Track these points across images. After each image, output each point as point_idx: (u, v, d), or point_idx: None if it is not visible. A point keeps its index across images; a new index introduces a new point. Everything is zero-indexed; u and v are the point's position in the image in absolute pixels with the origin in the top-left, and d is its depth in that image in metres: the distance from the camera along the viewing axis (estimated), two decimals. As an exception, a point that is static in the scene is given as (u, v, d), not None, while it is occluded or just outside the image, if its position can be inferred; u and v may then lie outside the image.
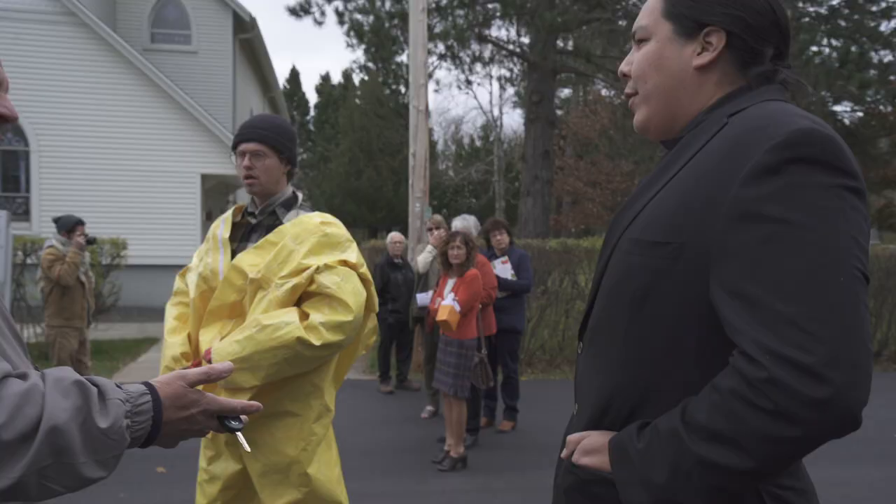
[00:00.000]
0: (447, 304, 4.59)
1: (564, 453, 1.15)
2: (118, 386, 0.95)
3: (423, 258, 6.25)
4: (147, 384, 1.00)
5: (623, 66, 1.21)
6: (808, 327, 0.87)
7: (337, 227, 2.30)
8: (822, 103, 13.06)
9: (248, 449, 1.20)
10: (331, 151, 42.87)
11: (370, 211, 38.65)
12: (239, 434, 1.14)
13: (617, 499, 1.03)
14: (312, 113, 53.23)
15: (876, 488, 4.37)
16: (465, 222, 5.20)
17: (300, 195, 2.43)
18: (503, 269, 5.49)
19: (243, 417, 1.11)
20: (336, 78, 52.72)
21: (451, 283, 4.81)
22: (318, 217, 2.31)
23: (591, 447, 1.09)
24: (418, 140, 7.89)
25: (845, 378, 0.86)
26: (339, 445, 2.46)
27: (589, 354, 1.17)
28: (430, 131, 38.59)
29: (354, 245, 2.31)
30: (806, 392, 0.85)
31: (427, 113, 7.84)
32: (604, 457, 1.06)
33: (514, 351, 5.71)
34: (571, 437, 1.14)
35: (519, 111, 42.31)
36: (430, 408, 6.17)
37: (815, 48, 17.21)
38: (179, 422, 1.03)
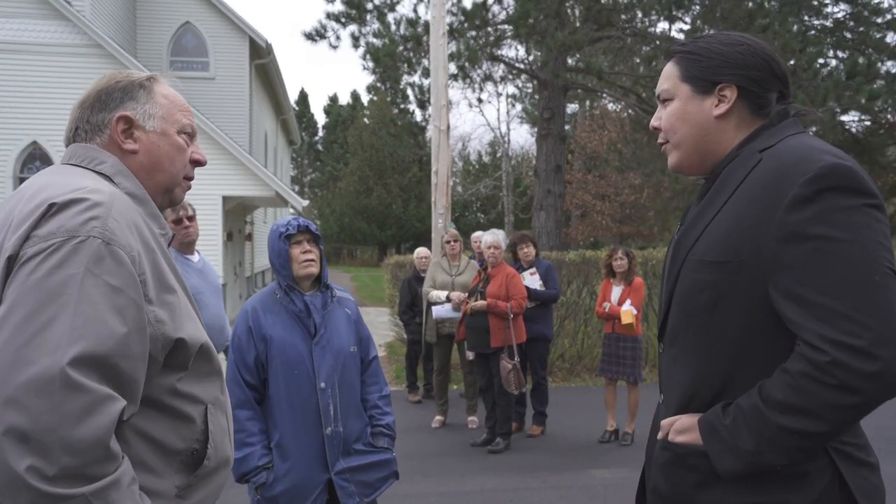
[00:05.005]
0: (627, 309, 5.42)
1: (660, 435, 1.39)
2: None
3: (435, 295, 6.12)
4: None
5: (653, 122, 1.48)
6: (855, 318, 1.12)
7: None
8: (831, 114, 13.28)
9: None
10: (340, 171, 43.35)
11: (380, 228, 39.02)
12: None
13: (709, 467, 1.28)
14: (321, 133, 53.89)
15: None
16: (494, 236, 5.45)
17: None
18: (532, 280, 5.75)
19: None
20: (344, 99, 53.26)
21: (617, 289, 5.59)
22: None
23: (683, 427, 1.34)
24: (440, 159, 8.18)
25: (890, 354, 1.11)
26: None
27: (670, 354, 1.42)
28: (439, 149, 38.96)
29: None
30: (862, 368, 1.11)
31: (448, 132, 8.13)
32: (695, 434, 1.30)
33: (544, 358, 5.96)
34: (665, 422, 1.39)
35: (526, 127, 42.66)
36: (439, 417, 6.29)
37: (822, 60, 17.49)
38: None
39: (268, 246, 2.58)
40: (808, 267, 1.17)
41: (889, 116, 16.35)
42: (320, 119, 54.64)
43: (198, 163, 1.39)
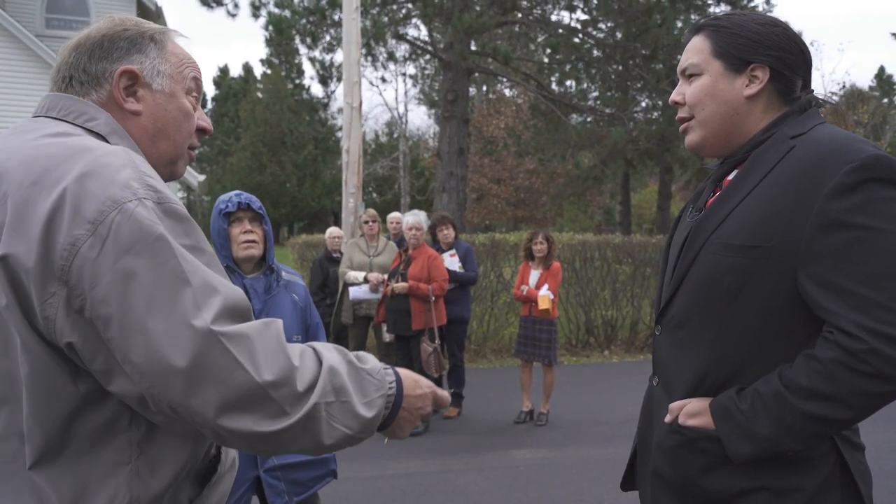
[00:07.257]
0: (544, 294, 5.45)
1: (668, 418, 1.37)
2: None
3: (352, 276, 6.04)
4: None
5: (675, 96, 1.45)
6: (895, 308, 1.14)
7: None
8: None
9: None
10: (231, 145, 41.57)
11: (273, 207, 37.78)
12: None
13: (720, 451, 1.28)
14: (210, 105, 51.43)
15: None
16: (416, 218, 5.39)
17: None
18: (451, 261, 5.73)
19: None
20: (235, 71, 51.09)
21: (535, 273, 5.60)
22: None
23: (694, 411, 1.33)
24: (352, 136, 7.99)
25: None
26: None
27: (676, 337, 1.39)
28: (335, 128, 38.13)
29: None
30: None
31: (361, 109, 7.95)
32: (707, 417, 1.30)
33: (461, 340, 5.98)
34: (674, 405, 1.37)
35: (423, 108, 42.55)
36: None
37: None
38: (416, 399, 1.13)
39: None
40: (848, 256, 1.17)
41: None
42: (209, 91, 52.12)
43: (204, 131, 1.21)
